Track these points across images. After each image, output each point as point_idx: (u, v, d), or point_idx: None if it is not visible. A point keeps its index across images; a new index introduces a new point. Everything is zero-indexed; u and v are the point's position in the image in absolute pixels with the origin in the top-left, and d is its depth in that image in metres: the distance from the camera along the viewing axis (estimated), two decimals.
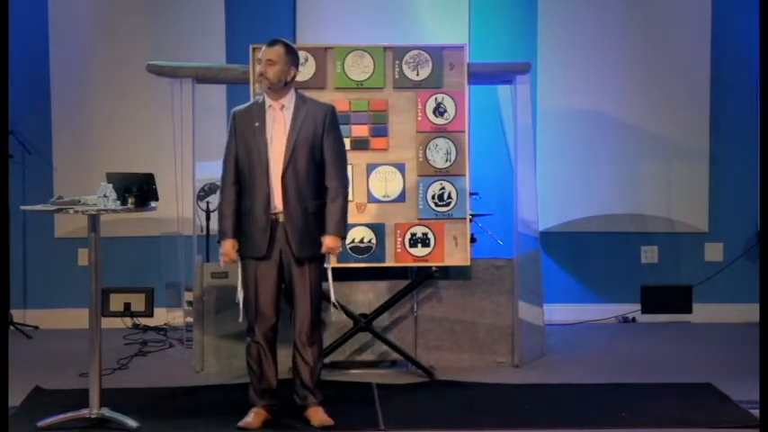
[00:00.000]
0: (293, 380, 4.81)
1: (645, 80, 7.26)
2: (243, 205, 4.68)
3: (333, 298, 4.93)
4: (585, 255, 7.38)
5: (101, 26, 7.15)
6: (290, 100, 4.69)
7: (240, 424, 4.66)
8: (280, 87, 4.65)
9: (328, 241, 4.67)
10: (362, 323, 5.67)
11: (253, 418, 4.69)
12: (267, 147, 4.63)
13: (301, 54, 5.59)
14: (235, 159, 4.69)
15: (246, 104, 4.84)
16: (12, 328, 6.76)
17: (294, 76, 4.70)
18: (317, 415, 4.71)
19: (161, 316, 6.93)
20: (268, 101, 4.70)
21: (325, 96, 5.50)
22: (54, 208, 4.71)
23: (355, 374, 5.67)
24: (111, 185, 4.67)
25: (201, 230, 6.61)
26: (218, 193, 4.83)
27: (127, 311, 6.68)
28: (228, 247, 4.68)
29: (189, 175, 6.11)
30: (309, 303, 4.70)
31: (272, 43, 4.69)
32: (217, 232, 4.80)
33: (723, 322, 7.17)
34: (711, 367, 5.84)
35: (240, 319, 4.77)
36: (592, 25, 7.26)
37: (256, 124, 4.65)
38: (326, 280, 4.78)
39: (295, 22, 7.19)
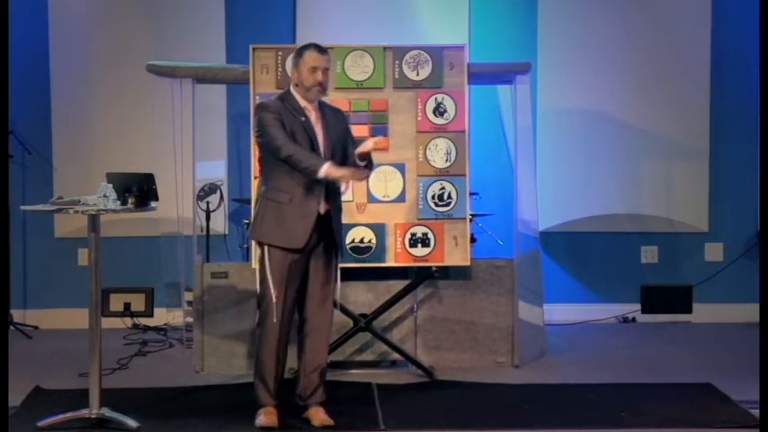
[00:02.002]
0: (297, 379, 4.81)
1: (645, 80, 7.26)
2: (281, 196, 4.62)
3: (338, 297, 4.93)
4: (585, 255, 7.38)
5: (101, 26, 7.15)
6: (317, 102, 4.75)
7: (264, 425, 4.62)
8: None
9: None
10: (362, 323, 5.67)
11: (269, 417, 4.66)
12: (319, 142, 4.65)
13: None
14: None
15: (274, 99, 4.75)
16: (12, 328, 6.76)
17: None
18: (318, 415, 4.72)
19: (161, 316, 6.93)
20: (302, 102, 4.69)
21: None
22: (54, 208, 4.71)
23: (355, 374, 5.67)
24: (111, 185, 4.67)
25: (201, 230, 6.61)
26: (283, 153, 4.54)
27: (127, 311, 6.69)
28: (333, 167, 4.51)
29: (189, 175, 6.11)
30: (331, 303, 4.74)
31: (321, 50, 4.68)
32: (309, 169, 4.50)
33: (723, 322, 7.17)
34: (711, 367, 5.84)
35: (257, 318, 4.72)
36: (592, 25, 7.26)
37: (303, 119, 4.65)
38: (336, 280, 4.79)
39: (295, 22, 7.19)
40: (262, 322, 4.70)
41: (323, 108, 4.75)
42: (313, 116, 4.70)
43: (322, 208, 4.65)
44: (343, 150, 4.73)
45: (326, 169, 4.49)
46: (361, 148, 4.64)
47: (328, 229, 4.69)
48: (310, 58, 4.65)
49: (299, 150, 4.56)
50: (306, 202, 4.61)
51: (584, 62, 7.25)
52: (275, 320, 4.64)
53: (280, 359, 4.71)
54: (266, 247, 4.65)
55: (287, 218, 4.60)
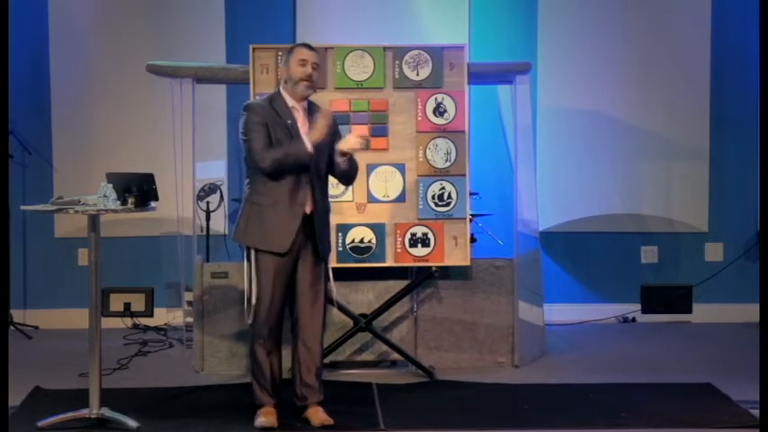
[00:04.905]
0: (294, 380, 4.81)
1: (645, 80, 7.26)
2: (264, 199, 4.62)
3: (335, 296, 4.93)
4: (585, 255, 7.38)
5: (101, 26, 7.15)
6: (306, 103, 4.75)
7: (264, 425, 4.62)
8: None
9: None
10: (362, 323, 5.67)
11: (268, 417, 4.67)
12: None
13: None
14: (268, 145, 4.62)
15: (262, 100, 4.79)
16: (12, 328, 6.76)
17: None
18: (318, 414, 4.71)
19: (161, 316, 6.94)
20: (290, 101, 4.68)
21: (325, 96, 5.51)
22: (54, 208, 4.71)
23: (355, 374, 5.67)
24: (111, 185, 4.67)
25: (201, 230, 6.61)
26: (264, 165, 4.56)
27: (127, 311, 6.70)
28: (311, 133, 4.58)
29: (189, 175, 6.11)
30: (322, 302, 4.73)
31: (311, 48, 4.72)
32: (297, 158, 4.56)
33: (723, 322, 7.17)
34: (711, 367, 5.84)
35: (248, 320, 4.71)
36: (592, 25, 7.27)
37: (288, 122, 4.64)
38: (328, 279, 4.78)
39: (295, 22, 7.19)
40: (253, 323, 4.71)
41: (312, 110, 4.74)
42: (300, 117, 4.69)
43: (308, 209, 4.64)
44: (325, 151, 4.68)
45: (309, 141, 4.55)
46: (343, 146, 4.64)
47: (314, 230, 4.68)
48: (300, 52, 4.69)
49: (275, 152, 4.56)
50: (291, 205, 4.60)
51: (584, 62, 7.25)
52: (264, 322, 4.67)
53: (272, 359, 4.73)
54: (252, 250, 4.67)
55: (270, 222, 4.61)
